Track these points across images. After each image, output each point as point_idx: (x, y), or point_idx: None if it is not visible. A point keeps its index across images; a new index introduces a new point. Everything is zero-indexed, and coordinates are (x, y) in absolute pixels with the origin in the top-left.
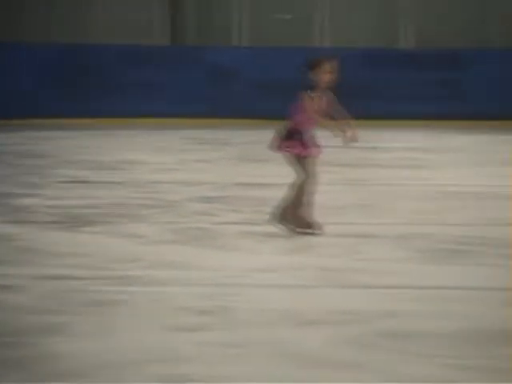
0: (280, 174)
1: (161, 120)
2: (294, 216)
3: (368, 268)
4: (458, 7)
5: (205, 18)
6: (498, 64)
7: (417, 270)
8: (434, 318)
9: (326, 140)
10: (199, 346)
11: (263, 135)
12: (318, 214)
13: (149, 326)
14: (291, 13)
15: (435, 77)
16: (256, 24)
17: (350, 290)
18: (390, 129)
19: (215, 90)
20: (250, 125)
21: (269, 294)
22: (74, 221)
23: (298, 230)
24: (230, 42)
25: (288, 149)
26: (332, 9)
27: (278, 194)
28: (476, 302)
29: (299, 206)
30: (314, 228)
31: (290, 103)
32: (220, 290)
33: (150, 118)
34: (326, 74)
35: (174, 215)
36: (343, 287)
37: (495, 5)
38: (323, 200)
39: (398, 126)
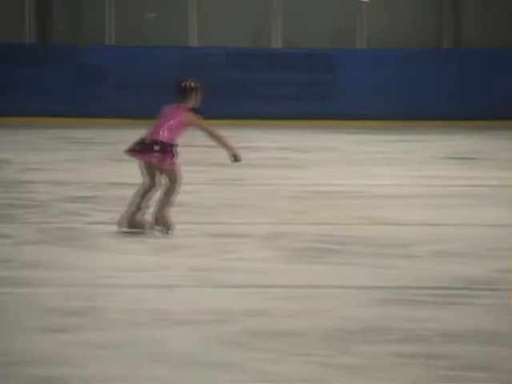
0: None
1: (29, 119)
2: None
3: (238, 267)
4: (330, 9)
5: (73, 17)
6: (366, 65)
7: (285, 269)
8: (301, 316)
9: (200, 140)
10: (68, 347)
11: (134, 135)
12: (188, 214)
13: (16, 327)
14: (160, 11)
15: (305, 77)
16: (125, 23)
17: (220, 290)
18: (261, 128)
19: (84, 89)
20: (119, 124)
21: (140, 294)
22: None
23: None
24: (99, 41)
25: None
26: (200, 9)
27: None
28: (341, 301)
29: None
30: (167, 228)
31: (160, 103)
32: (91, 290)
33: (17, 117)
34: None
35: (43, 215)
36: (213, 287)
37: (363, 7)
38: (195, 200)
39: (268, 126)
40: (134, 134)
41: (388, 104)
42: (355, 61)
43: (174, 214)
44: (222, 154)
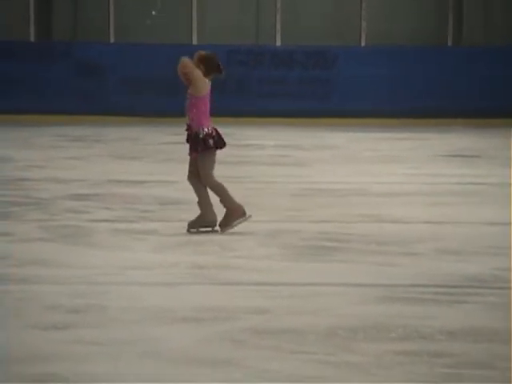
0: (152, 172)
1: (29, 116)
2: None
3: (239, 265)
4: (330, 5)
5: (75, 14)
6: (366, 62)
7: (287, 266)
8: (302, 314)
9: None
10: (67, 345)
11: (134, 132)
12: (189, 212)
13: (15, 324)
14: (161, 9)
15: (305, 75)
16: (126, 20)
17: (221, 287)
18: (262, 126)
19: (85, 86)
20: (120, 122)
21: (141, 292)
22: None
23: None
24: (100, 38)
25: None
26: (200, 7)
27: (150, 192)
28: (342, 299)
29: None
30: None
31: (161, 100)
32: (91, 288)
33: (18, 115)
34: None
35: (43, 213)
36: (214, 284)
37: (364, 4)
38: (195, 197)
39: (269, 124)
40: (136, 131)
41: (389, 101)
42: (356, 58)
43: (173, 211)
44: (223, 152)
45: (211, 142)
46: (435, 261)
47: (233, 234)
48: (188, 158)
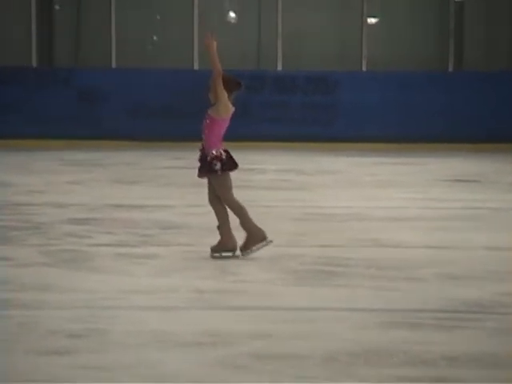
0: (152, 196)
1: (29, 141)
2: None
3: (241, 289)
4: (332, 31)
5: (75, 39)
6: (366, 87)
7: (288, 291)
8: (304, 339)
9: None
10: (69, 370)
11: (133, 157)
12: (190, 236)
13: (17, 349)
14: (163, 34)
15: (308, 100)
16: (127, 46)
17: (222, 312)
18: (264, 150)
19: (84, 111)
20: (119, 146)
21: (142, 316)
22: None
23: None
24: (100, 63)
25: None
26: (202, 32)
27: (150, 216)
28: (344, 323)
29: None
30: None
31: (163, 125)
32: (92, 312)
33: (18, 139)
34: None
35: (43, 237)
36: (216, 309)
37: (366, 29)
38: (197, 221)
39: (271, 148)
40: (135, 155)
41: (390, 126)
42: (357, 83)
43: (173, 235)
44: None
45: (218, 165)
46: (436, 286)
47: (233, 258)
48: (201, 180)
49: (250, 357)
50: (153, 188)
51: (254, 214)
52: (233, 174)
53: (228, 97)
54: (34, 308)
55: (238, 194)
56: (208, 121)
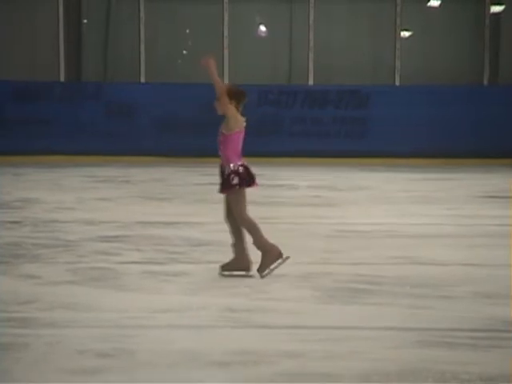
0: (181, 213)
1: (59, 157)
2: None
3: (271, 308)
4: (365, 45)
5: (103, 54)
6: (401, 102)
7: (320, 309)
8: (335, 358)
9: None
10: None
11: (163, 173)
12: (220, 254)
13: (44, 369)
14: (193, 48)
15: (339, 114)
16: (156, 60)
17: (252, 330)
18: (294, 166)
19: (115, 126)
20: (150, 162)
21: (171, 335)
22: None
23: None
24: (130, 78)
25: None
26: (232, 46)
27: (179, 233)
28: (376, 342)
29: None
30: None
31: (192, 140)
32: (121, 331)
33: (47, 155)
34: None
35: (72, 255)
36: (246, 327)
37: (396, 43)
38: (227, 239)
39: (301, 164)
40: (164, 171)
41: (423, 141)
42: (390, 97)
43: (203, 253)
44: (255, 192)
45: (236, 179)
46: (471, 304)
47: (262, 276)
48: (222, 197)
49: (282, 376)
50: (182, 205)
51: (284, 231)
52: (262, 191)
53: (237, 109)
54: (63, 327)
55: (269, 211)
56: (221, 138)
